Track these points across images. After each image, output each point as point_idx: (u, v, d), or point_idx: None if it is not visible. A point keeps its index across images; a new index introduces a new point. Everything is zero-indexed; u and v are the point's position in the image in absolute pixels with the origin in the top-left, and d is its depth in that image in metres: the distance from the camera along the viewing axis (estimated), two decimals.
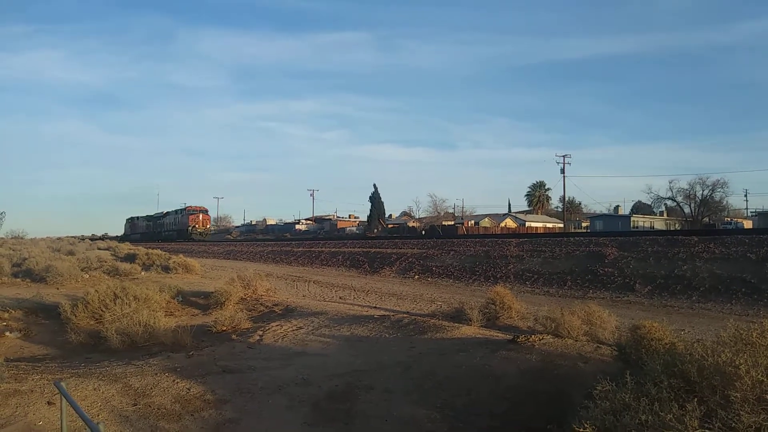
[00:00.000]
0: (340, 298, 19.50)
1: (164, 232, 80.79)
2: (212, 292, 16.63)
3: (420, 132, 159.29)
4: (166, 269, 25.81)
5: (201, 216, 73.88)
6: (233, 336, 12.08)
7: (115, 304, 13.02)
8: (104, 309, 12.95)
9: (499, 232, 65.41)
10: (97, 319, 12.83)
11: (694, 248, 18.38)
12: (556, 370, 7.41)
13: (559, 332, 9.92)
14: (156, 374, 8.01)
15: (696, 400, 3.98)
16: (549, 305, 13.20)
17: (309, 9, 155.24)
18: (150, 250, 33.00)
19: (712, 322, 12.57)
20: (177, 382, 7.68)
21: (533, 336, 9.28)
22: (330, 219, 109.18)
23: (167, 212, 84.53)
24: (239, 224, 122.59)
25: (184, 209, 76.11)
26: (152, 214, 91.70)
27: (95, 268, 24.36)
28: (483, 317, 12.32)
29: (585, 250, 21.49)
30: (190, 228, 71.89)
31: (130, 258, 30.78)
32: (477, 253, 25.58)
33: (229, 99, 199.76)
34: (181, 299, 17.01)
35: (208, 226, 76.17)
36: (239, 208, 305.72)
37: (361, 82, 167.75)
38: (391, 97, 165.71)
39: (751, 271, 15.84)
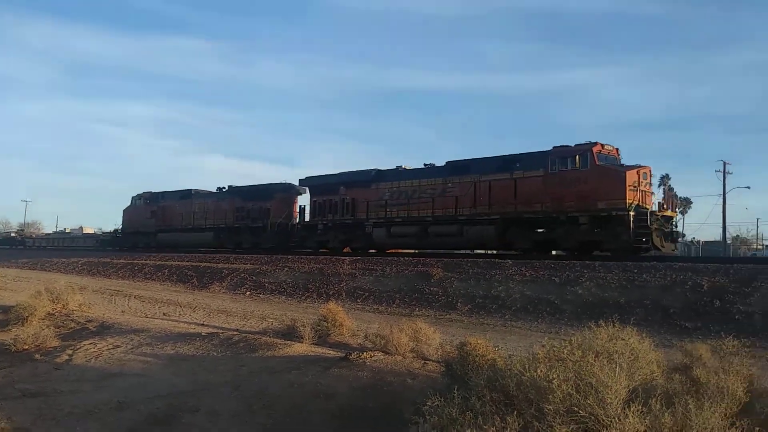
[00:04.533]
0: (165, 314, 18.33)
1: None
2: (13, 306, 14.72)
3: (259, 146, 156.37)
4: None
5: None
6: (37, 356, 10.78)
7: None
8: None
9: None
10: None
11: (509, 271, 20.05)
12: (387, 387, 7.61)
13: (388, 349, 10.21)
14: None
15: (515, 413, 4.31)
16: (379, 322, 13.56)
17: (154, 10, 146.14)
18: None
19: (522, 339, 13.74)
20: None
21: (365, 353, 9.45)
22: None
23: None
24: (50, 231, 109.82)
25: None
26: None
27: None
28: (315, 334, 12.29)
29: (414, 270, 22.45)
30: None
31: None
32: (311, 269, 25.58)
33: (54, 95, 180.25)
34: None
35: None
36: (52, 213, 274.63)
37: (202, 91, 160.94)
38: (232, 108, 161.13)
39: (555, 293, 17.63)
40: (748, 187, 59.09)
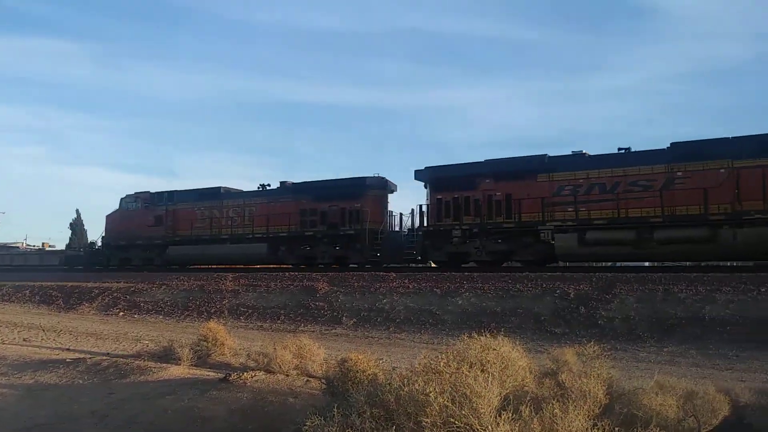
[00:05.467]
0: (24, 339, 16.75)
1: None
2: None
3: (139, 157, 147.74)
4: None
5: None
6: None
7: None
8: None
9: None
10: None
11: (392, 283, 20.36)
12: (267, 408, 7.40)
13: (271, 367, 9.99)
14: None
15: (394, 427, 4.33)
16: (263, 340, 13.23)
17: (18, 8, 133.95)
18: None
19: (406, 350, 13.97)
20: None
21: (245, 373, 9.16)
22: (18, 247, 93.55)
23: None
24: None
25: None
26: None
27: None
28: (194, 355, 11.75)
29: (299, 285, 22.19)
30: None
31: None
32: (191, 287, 24.51)
33: None
34: None
35: None
36: None
37: (72, 96, 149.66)
38: (107, 116, 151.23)
39: (437, 304, 18.13)
40: None
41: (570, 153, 22.21)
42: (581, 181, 21.11)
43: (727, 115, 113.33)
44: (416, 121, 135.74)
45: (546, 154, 22.29)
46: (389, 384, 5.07)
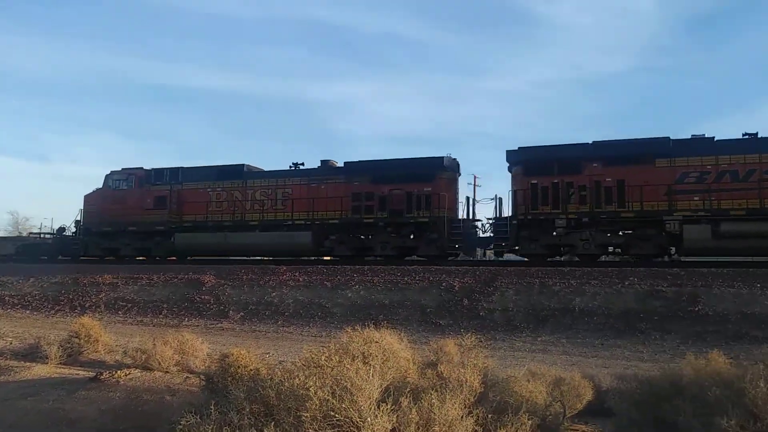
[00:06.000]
0: None
1: None
2: None
3: (2, 139, 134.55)
4: None
5: None
6: None
7: None
8: None
9: None
10: None
11: (283, 276, 20.12)
12: (142, 407, 7.05)
13: (150, 364, 9.54)
14: None
15: (273, 423, 4.26)
16: (142, 336, 12.60)
17: None
18: None
19: (294, 344, 13.87)
20: None
21: (119, 371, 8.67)
22: None
23: None
24: None
25: None
26: None
27: None
28: (64, 353, 10.97)
29: (184, 278, 21.34)
30: None
31: None
32: (64, 280, 22.84)
33: None
34: None
35: None
36: None
37: None
38: None
39: (326, 297, 18.13)
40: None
41: (690, 137, 19.90)
42: (709, 167, 18.95)
43: (597, 121, 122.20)
44: (311, 112, 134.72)
45: (668, 137, 19.82)
46: (271, 379, 4.99)
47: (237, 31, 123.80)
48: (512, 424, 4.79)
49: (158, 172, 26.85)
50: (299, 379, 4.53)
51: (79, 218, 28.21)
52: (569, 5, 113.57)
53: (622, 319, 14.73)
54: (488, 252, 23.25)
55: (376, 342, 5.34)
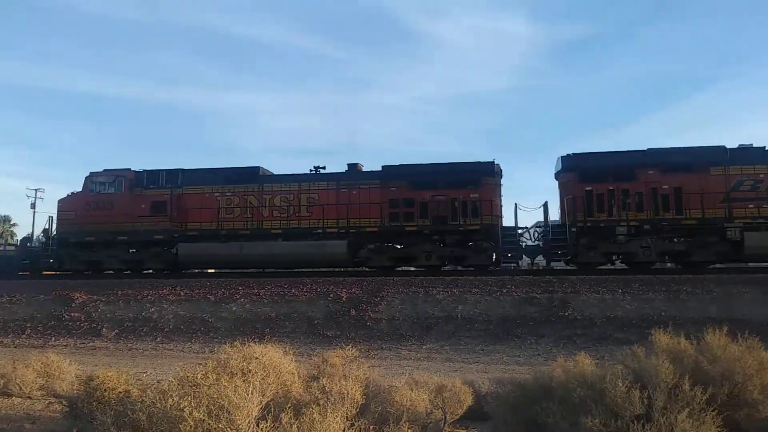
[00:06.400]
0: None
1: None
2: None
3: None
4: None
5: None
6: None
7: None
8: None
9: None
10: None
11: (162, 291, 19.15)
12: None
13: (9, 389, 8.74)
14: None
15: None
16: (1, 358, 11.47)
17: None
18: None
19: (175, 361, 13.21)
20: None
21: None
22: None
23: None
24: None
25: None
26: None
27: None
28: None
29: (51, 294, 19.71)
30: None
31: None
32: None
33: None
34: None
35: None
36: None
37: None
38: None
39: (209, 311, 17.48)
40: None
41: (738, 146, 20.31)
42: (762, 175, 19.47)
43: (475, 137, 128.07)
44: (202, 120, 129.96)
45: (723, 146, 20.14)
46: (141, 401, 4.70)
47: (119, 34, 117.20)
48: None
49: (152, 174, 23.58)
50: (173, 400, 4.30)
51: (47, 227, 24.12)
52: (449, 25, 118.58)
53: (501, 325, 15.43)
54: (531, 260, 22.10)
55: (257, 358, 5.20)
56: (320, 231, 21.65)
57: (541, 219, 22.27)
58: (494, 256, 20.75)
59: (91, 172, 23.88)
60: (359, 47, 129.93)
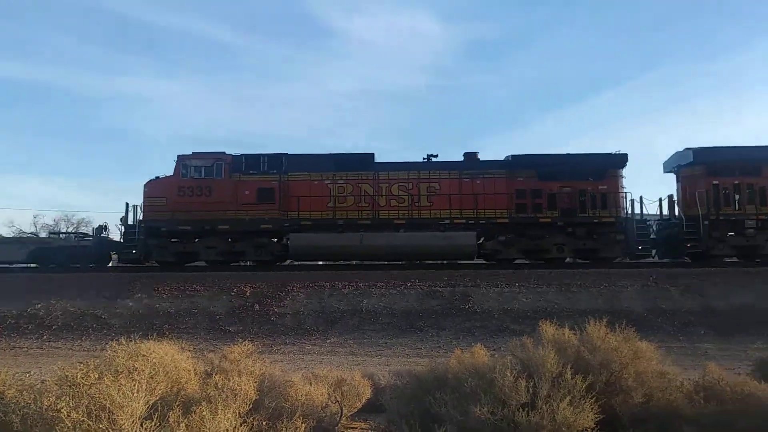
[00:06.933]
0: None
1: None
2: None
3: None
4: None
5: None
6: None
7: None
8: None
9: None
10: None
11: (59, 283, 18.00)
12: None
13: None
14: None
15: None
16: None
17: None
18: None
19: (63, 360, 12.39)
20: None
21: None
22: None
23: None
24: None
25: None
26: None
27: None
28: None
29: None
30: None
31: None
32: None
33: None
34: None
35: None
36: None
37: None
38: None
39: (103, 308, 16.59)
40: None
41: None
42: None
43: (388, 133, 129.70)
44: (94, 106, 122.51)
45: None
46: (16, 402, 4.40)
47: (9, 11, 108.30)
48: (286, 428, 4.80)
49: (251, 159, 21.43)
50: (49, 400, 4.05)
51: (125, 215, 21.33)
52: (363, 22, 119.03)
53: (405, 318, 15.73)
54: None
55: (144, 356, 5.00)
56: (447, 221, 20.71)
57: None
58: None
59: (182, 155, 21.48)
60: (272, 39, 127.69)
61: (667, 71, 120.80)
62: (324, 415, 5.73)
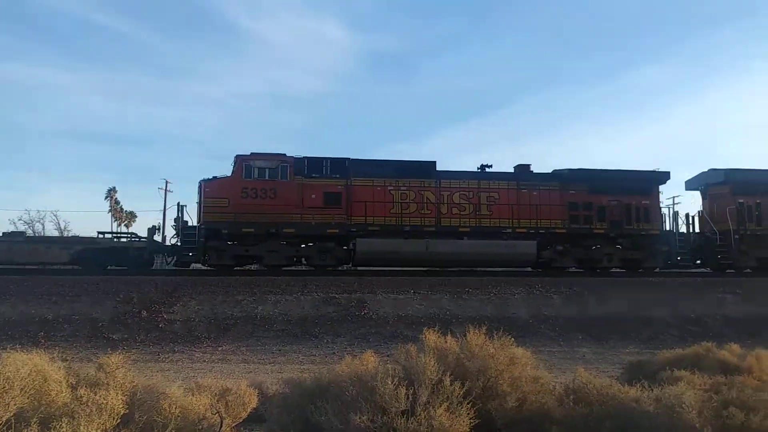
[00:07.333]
0: None
1: None
2: None
3: None
4: None
5: None
6: None
7: None
8: None
9: None
10: None
11: None
12: None
13: None
14: None
15: None
16: None
17: None
18: None
19: None
20: None
21: None
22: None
23: None
24: None
25: None
26: None
27: None
28: None
29: None
30: None
31: None
32: None
33: None
34: None
35: None
36: None
37: None
38: None
39: None
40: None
41: None
42: None
43: (289, 136, 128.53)
44: None
45: None
46: None
47: None
48: None
49: (314, 162, 21.04)
50: None
51: (178, 215, 20.51)
52: (270, 23, 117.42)
53: (300, 325, 15.59)
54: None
55: None
56: (509, 230, 21.42)
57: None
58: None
59: (242, 155, 20.75)
60: (174, 35, 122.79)
61: (568, 89, 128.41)
62: (200, 428, 5.54)
